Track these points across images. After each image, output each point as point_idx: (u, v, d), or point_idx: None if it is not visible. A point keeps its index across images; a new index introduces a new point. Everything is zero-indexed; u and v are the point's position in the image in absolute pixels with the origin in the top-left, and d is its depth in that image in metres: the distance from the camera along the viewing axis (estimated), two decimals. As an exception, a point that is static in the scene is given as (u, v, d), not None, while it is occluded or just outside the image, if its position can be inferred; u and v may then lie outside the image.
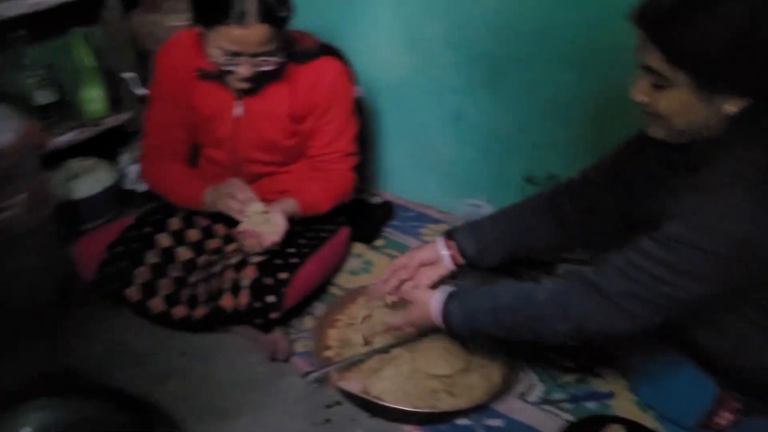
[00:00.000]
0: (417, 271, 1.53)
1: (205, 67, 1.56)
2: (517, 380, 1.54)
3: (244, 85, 1.54)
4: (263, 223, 1.55)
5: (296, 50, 1.60)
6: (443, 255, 1.52)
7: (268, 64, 1.50)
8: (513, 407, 1.49)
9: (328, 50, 1.67)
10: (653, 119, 1.12)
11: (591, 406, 1.48)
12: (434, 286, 1.49)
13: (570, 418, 1.45)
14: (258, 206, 1.55)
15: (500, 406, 1.49)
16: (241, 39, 1.42)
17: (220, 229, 1.76)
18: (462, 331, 1.35)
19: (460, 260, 1.51)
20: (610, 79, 1.63)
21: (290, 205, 1.63)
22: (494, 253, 1.49)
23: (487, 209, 1.96)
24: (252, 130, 1.65)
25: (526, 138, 1.88)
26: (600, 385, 1.53)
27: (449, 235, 1.52)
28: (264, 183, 1.75)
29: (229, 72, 1.50)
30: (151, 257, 1.65)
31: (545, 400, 1.50)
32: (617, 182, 1.37)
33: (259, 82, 1.55)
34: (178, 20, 1.95)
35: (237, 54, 1.45)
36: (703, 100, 1.05)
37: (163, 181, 1.71)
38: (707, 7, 0.99)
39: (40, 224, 1.62)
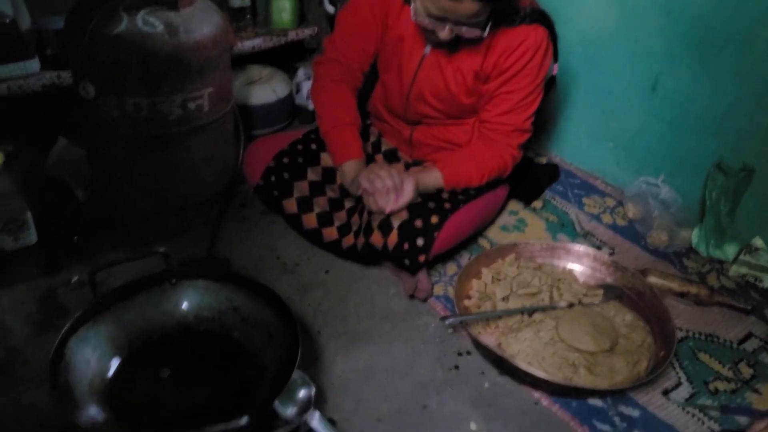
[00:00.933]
0: None
1: None
2: (665, 375, 1.43)
3: (441, 43, 1.50)
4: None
5: (507, 13, 1.52)
6: None
7: (470, 33, 1.43)
8: (653, 401, 1.39)
9: (539, 16, 1.54)
10: None
11: (742, 421, 1.35)
12: None
13: (715, 427, 1.33)
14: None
15: (640, 397, 1.39)
16: (450, 8, 1.37)
17: (381, 159, 1.76)
18: None
19: None
20: None
21: (432, 177, 1.58)
22: None
23: (665, 191, 1.81)
24: (434, 73, 1.60)
25: (728, 121, 1.69)
26: (757, 402, 1.39)
27: None
28: (429, 128, 1.72)
29: (430, 31, 1.46)
30: (312, 174, 1.69)
31: (690, 403, 1.39)
32: None
33: (456, 44, 1.51)
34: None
35: (442, 19, 1.41)
36: None
37: (326, 106, 1.68)
38: None
39: (219, 121, 1.70)
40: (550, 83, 1.65)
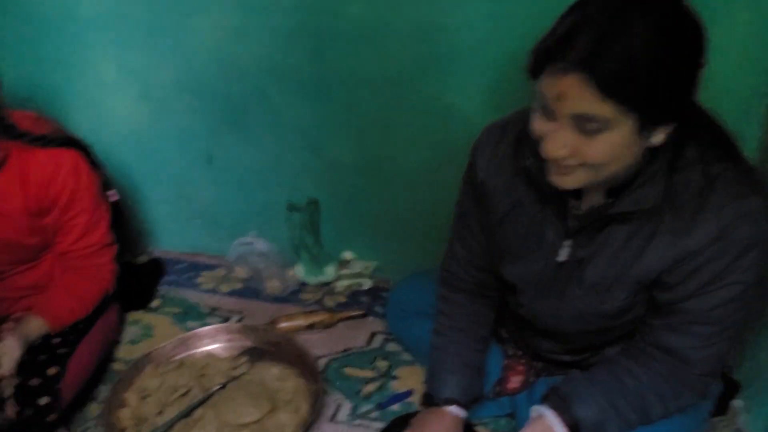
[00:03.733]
0: None
1: None
2: (325, 404, 1.56)
3: None
4: None
5: (17, 133, 1.44)
6: (460, 416, 1.34)
7: None
8: (325, 432, 1.51)
9: (69, 140, 1.50)
10: (578, 170, 0.96)
11: (396, 408, 1.56)
12: None
13: (380, 425, 1.51)
14: None
15: (314, 436, 1.50)
16: None
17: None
18: None
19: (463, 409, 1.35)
20: (349, 103, 1.74)
21: (35, 326, 1.45)
22: (477, 383, 1.38)
23: (260, 244, 1.96)
24: None
25: (281, 168, 1.91)
26: (398, 386, 1.62)
27: (446, 401, 1.32)
28: (3, 282, 1.56)
29: None
30: None
31: (354, 416, 1.54)
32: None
33: None
34: None
35: None
36: (642, 136, 0.92)
37: None
38: (633, 30, 0.84)
39: None
40: (116, 211, 1.64)
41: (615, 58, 0.84)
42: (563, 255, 1.14)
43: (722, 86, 1.37)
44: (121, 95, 1.90)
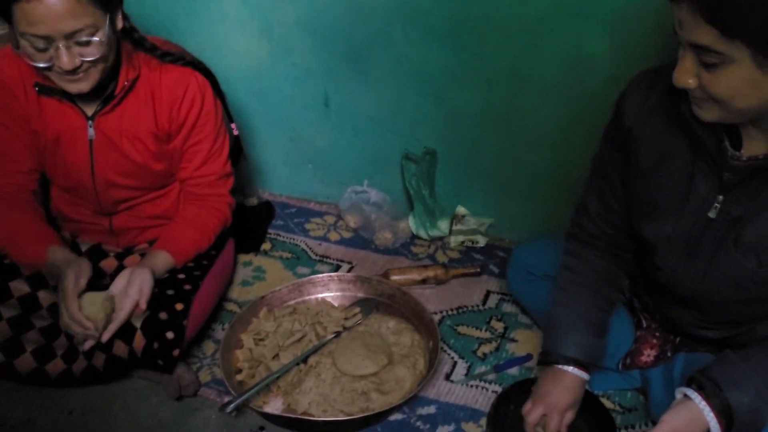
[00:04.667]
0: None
1: (44, 80, 1.35)
2: (441, 362, 1.52)
3: (79, 86, 1.29)
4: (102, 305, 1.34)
5: (149, 45, 1.43)
6: (582, 378, 1.24)
7: (92, 49, 1.25)
8: (442, 391, 1.47)
9: (194, 62, 1.50)
10: (708, 104, 0.94)
11: (513, 372, 1.50)
12: None
13: (497, 388, 1.46)
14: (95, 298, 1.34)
15: (430, 392, 1.46)
16: (41, 13, 1.17)
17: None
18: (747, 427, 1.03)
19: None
20: (480, 51, 1.64)
21: (161, 260, 1.46)
22: (599, 344, 1.28)
23: (373, 194, 1.91)
24: (110, 153, 1.45)
25: (399, 116, 1.84)
26: (516, 349, 1.56)
27: (566, 360, 1.22)
28: (130, 211, 1.57)
29: (49, 68, 1.26)
30: (8, 310, 1.42)
31: (470, 377, 1.50)
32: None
33: (96, 80, 1.31)
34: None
35: (47, 39, 1.21)
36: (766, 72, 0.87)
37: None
38: None
39: None
40: (236, 146, 1.63)
41: None
42: (715, 212, 1.05)
43: None
44: (241, 31, 1.86)
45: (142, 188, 1.54)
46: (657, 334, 1.35)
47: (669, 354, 1.33)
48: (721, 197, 1.04)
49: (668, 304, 1.27)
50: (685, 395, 1.04)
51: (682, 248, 1.12)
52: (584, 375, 1.23)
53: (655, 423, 1.05)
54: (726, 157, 1.01)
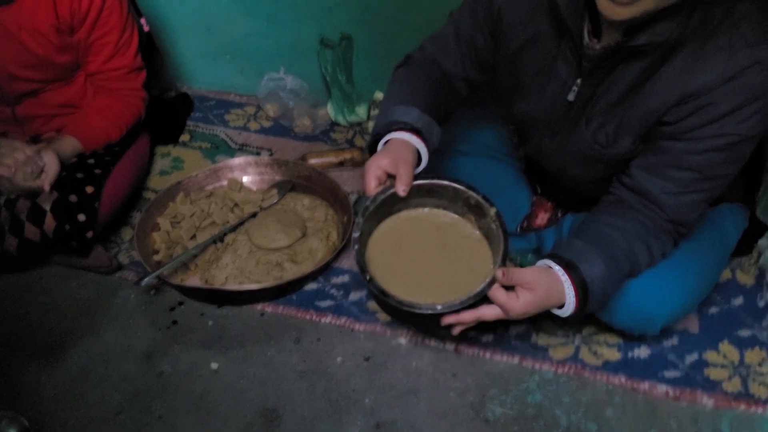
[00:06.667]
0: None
1: None
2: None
3: None
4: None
5: None
6: (420, 150, 1.13)
7: None
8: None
9: None
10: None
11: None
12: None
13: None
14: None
15: (344, 263, 1.52)
16: None
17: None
18: (594, 308, 1.08)
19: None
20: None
21: (69, 144, 1.45)
22: (435, 127, 1.17)
23: (290, 81, 1.90)
24: (9, 45, 1.40)
25: (314, 1, 1.81)
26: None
27: (412, 128, 1.11)
28: (35, 99, 1.53)
29: None
30: None
31: (384, 248, 1.56)
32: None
33: None
34: None
35: None
36: None
37: None
38: None
39: None
40: (148, 42, 1.58)
41: None
42: (573, 94, 1.09)
43: None
44: None
45: (46, 80, 1.50)
46: (549, 199, 1.42)
47: (559, 215, 1.41)
48: (579, 80, 1.07)
49: (543, 179, 1.33)
50: (549, 267, 1.04)
51: (545, 126, 1.17)
52: (423, 148, 1.12)
53: None
54: (583, 45, 1.04)
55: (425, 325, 1.03)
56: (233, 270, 1.44)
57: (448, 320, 1.05)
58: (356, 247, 1.08)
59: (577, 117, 1.11)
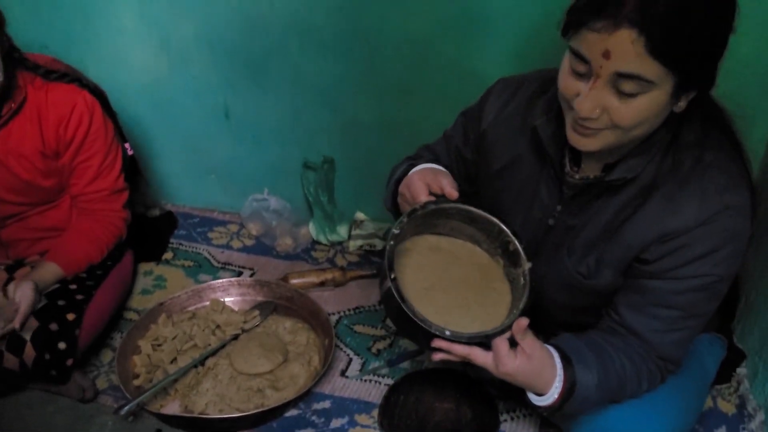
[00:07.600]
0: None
1: None
2: (336, 359, 1.59)
3: None
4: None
5: (31, 65, 1.44)
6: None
7: None
8: (337, 386, 1.53)
9: (82, 81, 1.52)
10: (603, 132, 0.95)
11: (405, 365, 1.58)
12: None
13: (389, 382, 1.53)
14: None
15: (326, 388, 1.52)
16: None
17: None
18: (570, 411, 1.09)
19: None
20: (371, 63, 1.73)
21: (50, 271, 1.47)
22: None
23: (273, 201, 1.97)
24: None
25: (298, 126, 1.91)
26: (409, 344, 1.64)
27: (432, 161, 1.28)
28: (21, 222, 1.57)
29: None
30: None
31: (364, 372, 1.57)
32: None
33: None
34: None
35: None
36: (672, 102, 0.92)
37: None
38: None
39: None
40: (132, 166, 1.66)
41: (668, 14, 0.83)
42: (553, 220, 1.15)
43: (745, 59, 1.37)
44: (139, 45, 1.88)
45: (31, 204, 1.54)
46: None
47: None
48: (559, 207, 1.14)
49: None
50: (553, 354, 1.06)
51: (527, 247, 1.19)
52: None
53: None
54: (565, 173, 1.11)
55: (424, 344, 1.05)
56: (213, 396, 1.43)
57: (440, 344, 1.04)
58: (391, 242, 1.08)
59: (558, 243, 1.15)
